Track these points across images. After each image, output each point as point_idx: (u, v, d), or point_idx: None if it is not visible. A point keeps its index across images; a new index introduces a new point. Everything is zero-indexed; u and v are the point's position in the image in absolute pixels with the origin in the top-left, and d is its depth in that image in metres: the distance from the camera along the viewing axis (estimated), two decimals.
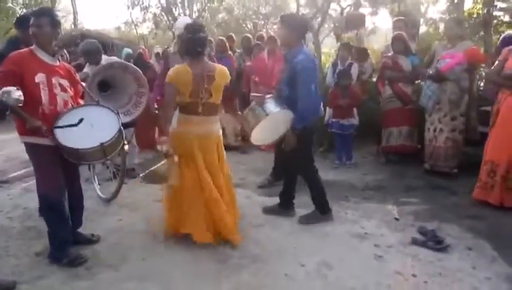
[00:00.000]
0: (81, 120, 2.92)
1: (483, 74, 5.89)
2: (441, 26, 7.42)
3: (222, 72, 3.15)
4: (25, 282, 2.65)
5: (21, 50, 2.85)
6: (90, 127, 2.92)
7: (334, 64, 5.94)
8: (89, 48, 4.36)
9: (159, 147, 3.04)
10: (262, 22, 16.82)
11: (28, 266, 2.88)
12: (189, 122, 3.10)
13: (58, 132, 2.78)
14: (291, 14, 3.63)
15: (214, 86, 3.06)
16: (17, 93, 2.49)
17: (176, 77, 2.99)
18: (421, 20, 8.67)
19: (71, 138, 2.79)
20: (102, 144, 2.83)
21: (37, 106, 2.76)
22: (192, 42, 3.02)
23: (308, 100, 3.29)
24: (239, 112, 3.91)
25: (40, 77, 2.77)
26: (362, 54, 6.35)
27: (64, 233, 2.94)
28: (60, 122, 2.83)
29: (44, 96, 2.79)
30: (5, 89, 2.44)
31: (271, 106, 3.30)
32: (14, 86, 2.56)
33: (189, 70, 2.99)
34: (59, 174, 2.89)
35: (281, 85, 3.57)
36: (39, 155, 2.85)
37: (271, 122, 3.27)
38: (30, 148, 2.88)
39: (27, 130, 2.74)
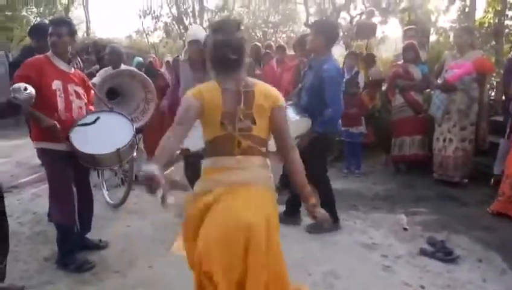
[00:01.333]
0: (97, 118, 2.99)
1: (494, 83, 5.85)
2: (452, 35, 7.37)
3: (265, 90, 1.99)
4: (33, 287, 2.67)
5: (38, 56, 2.90)
6: (105, 133, 2.98)
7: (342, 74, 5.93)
8: (115, 50, 4.51)
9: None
10: (272, 31, 16.89)
11: (37, 271, 2.90)
12: (219, 170, 1.93)
13: (74, 138, 2.82)
14: (324, 20, 3.48)
15: (256, 108, 1.92)
16: (28, 90, 2.47)
17: (199, 93, 1.91)
18: (432, 29, 8.62)
19: (87, 143, 2.84)
20: (118, 149, 2.90)
21: (53, 112, 2.79)
22: (223, 47, 1.90)
23: (337, 107, 3.30)
24: None
25: (56, 84, 2.83)
26: (369, 59, 6.35)
27: (72, 239, 2.98)
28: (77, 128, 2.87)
29: (60, 103, 2.84)
30: (16, 85, 2.44)
31: (291, 113, 3.29)
32: None
33: (218, 86, 1.92)
34: (70, 182, 2.94)
35: (301, 92, 3.55)
36: (53, 161, 2.88)
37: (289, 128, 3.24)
38: (44, 154, 2.92)
39: (42, 135, 2.79)
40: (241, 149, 1.90)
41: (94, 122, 2.95)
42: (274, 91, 2.05)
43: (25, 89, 2.42)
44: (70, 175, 2.93)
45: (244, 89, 1.94)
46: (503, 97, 5.00)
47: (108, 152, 2.90)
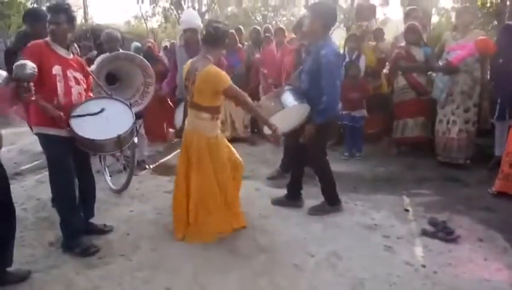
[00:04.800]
0: (102, 110, 3.00)
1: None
2: (453, 16, 7.28)
3: (204, 75, 2.91)
4: (39, 271, 2.71)
5: (37, 42, 2.84)
6: (105, 119, 2.99)
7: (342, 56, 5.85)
8: (113, 36, 4.51)
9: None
10: (272, 14, 16.71)
11: (42, 256, 2.94)
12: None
13: (74, 124, 2.82)
14: (321, 3, 3.39)
15: (196, 87, 2.95)
16: (30, 66, 2.42)
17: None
18: (433, 10, 8.51)
19: (88, 129, 2.84)
20: (119, 135, 2.92)
21: (53, 97, 2.80)
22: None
23: (333, 95, 3.27)
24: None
25: (56, 69, 2.82)
26: (379, 34, 6.28)
27: (75, 223, 3.00)
28: (76, 113, 2.87)
29: (60, 88, 2.83)
30: (17, 63, 2.40)
31: (289, 98, 3.27)
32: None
33: (188, 64, 3.05)
34: (70, 166, 2.94)
35: (301, 77, 3.51)
36: (53, 146, 2.89)
37: (287, 114, 3.24)
38: (44, 139, 2.92)
39: (42, 120, 2.79)
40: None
41: (98, 113, 2.96)
42: (216, 77, 2.90)
43: (27, 66, 2.40)
44: (70, 160, 2.93)
45: (195, 72, 2.93)
46: (488, 73, 4.97)
47: (109, 138, 2.91)
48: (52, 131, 2.84)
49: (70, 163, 2.93)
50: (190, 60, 3.06)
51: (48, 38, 2.87)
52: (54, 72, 2.79)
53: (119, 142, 2.95)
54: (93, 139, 2.86)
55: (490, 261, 2.75)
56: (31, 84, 2.46)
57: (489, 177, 4.25)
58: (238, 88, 2.98)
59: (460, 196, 4.00)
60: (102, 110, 2.99)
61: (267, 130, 3.36)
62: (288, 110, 3.23)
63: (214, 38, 2.95)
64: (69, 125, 2.81)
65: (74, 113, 2.85)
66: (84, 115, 2.89)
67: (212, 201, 3.11)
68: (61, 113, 2.75)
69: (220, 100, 3.03)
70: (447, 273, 2.62)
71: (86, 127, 2.84)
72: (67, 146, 2.89)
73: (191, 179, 3.10)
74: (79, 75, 2.98)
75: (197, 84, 2.90)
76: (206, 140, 3.05)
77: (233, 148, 3.31)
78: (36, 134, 2.96)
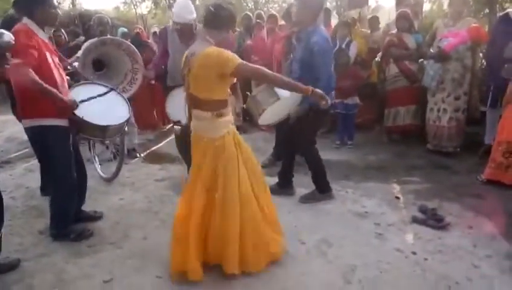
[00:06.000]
0: (110, 90, 3.15)
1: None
2: (445, 3, 7.26)
3: (203, 59, 2.30)
4: (29, 260, 2.68)
5: (22, 26, 2.66)
6: (105, 105, 3.03)
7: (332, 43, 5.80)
8: (102, 18, 4.64)
9: None
10: (264, 1, 16.57)
11: (32, 244, 2.91)
12: None
13: (81, 112, 2.79)
14: None
15: (192, 74, 2.38)
16: (8, 36, 2.35)
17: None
18: None
19: (95, 116, 2.85)
20: (127, 119, 3.05)
21: (54, 86, 2.65)
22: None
23: (328, 80, 3.25)
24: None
25: (49, 57, 2.72)
26: (374, 22, 6.26)
27: (72, 211, 3.02)
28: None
29: (57, 76, 2.74)
30: None
31: (281, 89, 3.25)
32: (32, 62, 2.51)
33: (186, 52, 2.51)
34: (72, 156, 2.93)
35: (292, 65, 3.48)
36: (60, 138, 2.81)
37: (282, 103, 3.22)
38: (48, 131, 2.75)
39: (45, 111, 2.69)
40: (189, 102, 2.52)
41: (105, 94, 3.00)
42: (215, 57, 2.28)
43: (4, 35, 2.36)
44: (71, 149, 2.91)
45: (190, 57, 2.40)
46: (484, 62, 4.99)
47: (121, 122, 3.02)
48: (57, 122, 2.76)
49: (72, 152, 2.91)
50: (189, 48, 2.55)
51: (27, 21, 2.67)
52: (49, 60, 2.70)
53: (123, 126, 3.07)
54: (107, 126, 2.90)
55: (479, 248, 2.78)
56: (8, 54, 2.39)
57: (479, 165, 4.29)
58: (249, 63, 2.45)
59: (450, 183, 4.03)
60: (108, 92, 3.07)
61: (263, 120, 3.34)
62: (284, 100, 3.21)
63: (215, 18, 2.39)
64: (74, 113, 2.76)
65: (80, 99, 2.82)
66: (92, 98, 2.94)
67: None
68: (72, 100, 2.71)
69: (223, 91, 2.43)
70: (437, 260, 2.65)
71: (93, 114, 2.85)
72: (69, 135, 2.87)
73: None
74: (56, 59, 2.86)
75: (194, 71, 2.34)
76: (211, 143, 2.44)
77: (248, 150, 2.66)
78: (33, 127, 2.76)
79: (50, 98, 2.61)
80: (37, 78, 2.49)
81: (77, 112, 2.77)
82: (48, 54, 2.71)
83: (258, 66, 2.43)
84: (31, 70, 2.48)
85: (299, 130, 3.37)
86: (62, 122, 2.78)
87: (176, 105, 3.45)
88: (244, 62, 2.33)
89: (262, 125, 4.14)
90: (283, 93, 3.18)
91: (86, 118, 2.80)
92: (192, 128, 2.52)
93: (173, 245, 2.45)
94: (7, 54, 2.40)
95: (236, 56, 2.32)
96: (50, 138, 2.77)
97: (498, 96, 4.40)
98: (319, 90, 2.50)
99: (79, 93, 2.93)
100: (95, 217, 3.27)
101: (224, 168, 2.41)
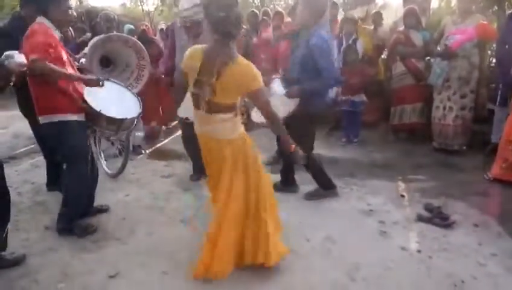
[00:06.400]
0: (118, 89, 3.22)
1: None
2: (453, 0, 7.20)
3: (236, 70, 2.21)
4: (34, 255, 2.70)
5: (40, 26, 2.69)
6: (117, 99, 3.06)
7: (338, 41, 5.77)
8: (109, 15, 4.68)
9: None
10: None
11: (37, 240, 2.93)
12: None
13: (97, 105, 2.83)
14: None
15: (220, 82, 2.22)
16: (20, 58, 2.39)
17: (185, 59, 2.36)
18: None
19: (111, 109, 2.89)
20: (140, 113, 3.12)
21: (71, 83, 2.79)
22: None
23: (332, 70, 3.27)
24: None
25: (64, 55, 2.79)
26: (377, 18, 6.21)
27: (81, 208, 3.06)
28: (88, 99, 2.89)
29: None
30: (7, 52, 2.37)
31: (278, 87, 3.24)
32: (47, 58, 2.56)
33: (199, 53, 2.27)
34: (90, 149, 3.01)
35: (293, 64, 3.46)
36: (78, 133, 2.85)
37: (275, 103, 3.21)
38: (67, 125, 2.78)
39: (63, 107, 2.74)
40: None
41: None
42: (251, 74, 2.23)
43: (18, 56, 2.38)
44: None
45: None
46: (493, 61, 4.93)
47: (135, 115, 3.07)
48: (76, 117, 2.80)
49: (90, 147, 3.00)
50: (201, 49, 2.30)
51: (43, 20, 2.72)
52: (64, 58, 2.77)
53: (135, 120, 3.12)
54: (125, 118, 2.95)
55: (485, 246, 2.77)
56: (12, 77, 2.44)
57: (485, 163, 4.26)
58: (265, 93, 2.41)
59: (455, 181, 4.01)
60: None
61: (255, 117, 3.34)
62: (277, 99, 3.20)
63: (227, 26, 2.19)
64: (91, 107, 2.81)
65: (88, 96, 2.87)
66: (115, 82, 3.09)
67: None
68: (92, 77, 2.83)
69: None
70: (442, 258, 2.64)
71: (109, 108, 2.88)
72: (86, 130, 2.94)
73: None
74: (71, 58, 2.98)
75: (225, 79, 2.20)
76: (232, 144, 2.43)
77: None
78: (52, 123, 2.77)
79: (76, 80, 2.78)
80: (56, 67, 2.58)
81: (94, 105, 2.81)
82: (63, 53, 2.79)
83: (269, 101, 2.40)
84: (48, 62, 2.56)
85: (296, 138, 3.33)
86: (80, 116, 2.84)
87: (185, 102, 3.46)
88: (263, 89, 2.30)
89: (261, 123, 4.12)
90: (279, 90, 3.18)
91: (103, 112, 2.83)
92: (205, 133, 2.43)
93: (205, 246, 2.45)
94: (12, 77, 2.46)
95: (260, 76, 2.26)
96: (69, 132, 2.80)
97: (507, 95, 4.36)
98: (300, 152, 2.54)
99: (92, 90, 2.95)
100: (102, 209, 3.34)
101: (251, 165, 2.53)
